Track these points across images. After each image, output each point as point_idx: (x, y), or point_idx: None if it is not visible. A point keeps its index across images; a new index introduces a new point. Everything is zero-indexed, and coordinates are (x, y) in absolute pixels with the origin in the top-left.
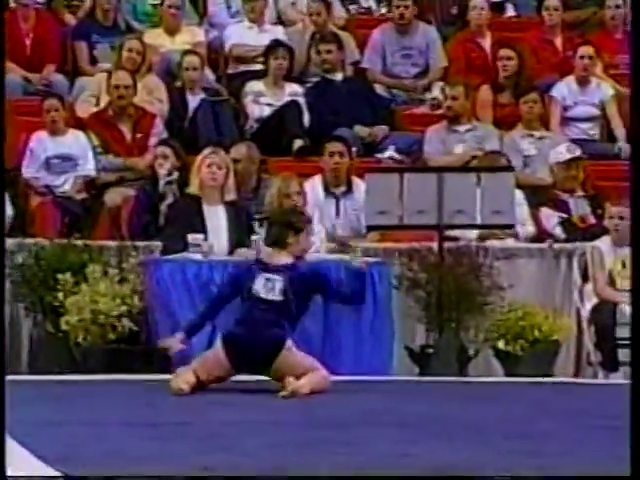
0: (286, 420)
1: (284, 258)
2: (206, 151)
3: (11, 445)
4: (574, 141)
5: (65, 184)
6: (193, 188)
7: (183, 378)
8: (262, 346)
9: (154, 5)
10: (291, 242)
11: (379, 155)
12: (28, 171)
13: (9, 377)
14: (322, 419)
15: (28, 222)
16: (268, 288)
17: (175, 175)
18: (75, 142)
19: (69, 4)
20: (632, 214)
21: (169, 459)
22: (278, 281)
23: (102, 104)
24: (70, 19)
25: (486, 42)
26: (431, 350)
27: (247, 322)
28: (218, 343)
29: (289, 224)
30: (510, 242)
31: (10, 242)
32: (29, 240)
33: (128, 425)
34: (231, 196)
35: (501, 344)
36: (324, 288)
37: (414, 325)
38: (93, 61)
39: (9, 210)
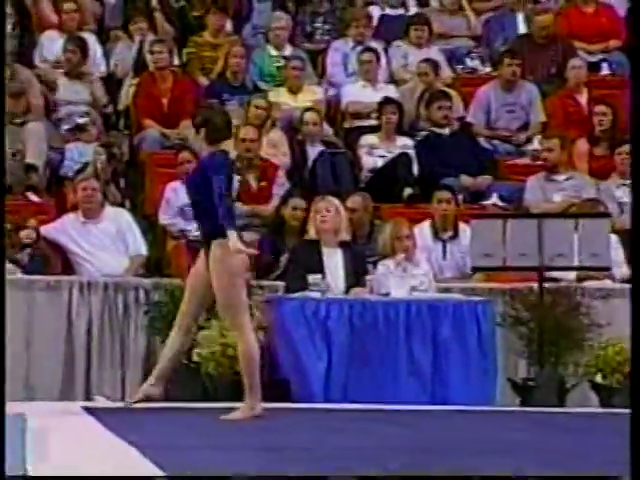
0: (394, 446)
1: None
2: (316, 199)
3: (142, 463)
4: None
5: (197, 229)
6: (310, 234)
7: None
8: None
9: (278, 67)
10: None
11: (483, 202)
12: (164, 218)
13: (146, 404)
14: (430, 445)
15: (164, 263)
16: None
17: None
18: None
19: (203, 67)
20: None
21: None
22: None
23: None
24: (203, 80)
25: (583, 98)
26: (532, 383)
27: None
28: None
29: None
30: (607, 283)
31: (148, 281)
32: (165, 280)
33: (252, 449)
34: (344, 236)
35: (598, 377)
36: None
37: (517, 359)
38: None
39: (145, 251)
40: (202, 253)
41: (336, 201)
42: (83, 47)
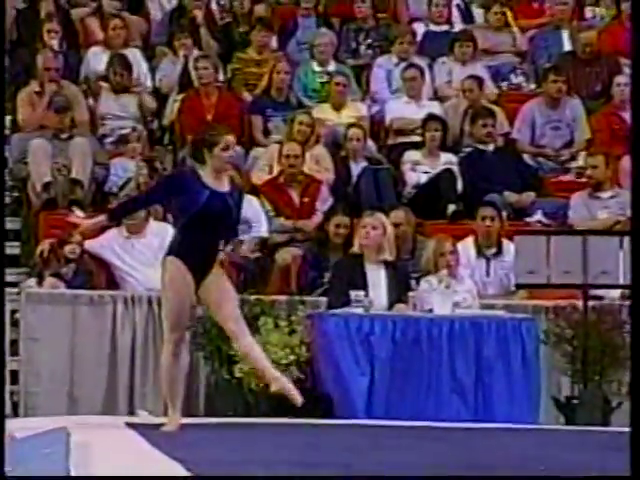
0: (440, 463)
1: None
2: (365, 214)
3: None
4: None
5: (241, 245)
6: (354, 247)
7: None
8: (203, 259)
9: (323, 83)
10: (207, 157)
11: (528, 219)
12: None
13: (188, 420)
14: (471, 463)
15: None
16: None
17: None
18: (249, 206)
19: (247, 83)
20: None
21: None
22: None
23: (274, 172)
24: (247, 96)
25: (628, 115)
26: (576, 401)
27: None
28: (177, 262)
29: (201, 140)
30: None
31: None
32: None
33: (293, 464)
34: (385, 255)
35: None
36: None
37: (560, 377)
38: (267, 133)
39: None
40: (182, 268)
41: (384, 218)
42: (127, 66)
